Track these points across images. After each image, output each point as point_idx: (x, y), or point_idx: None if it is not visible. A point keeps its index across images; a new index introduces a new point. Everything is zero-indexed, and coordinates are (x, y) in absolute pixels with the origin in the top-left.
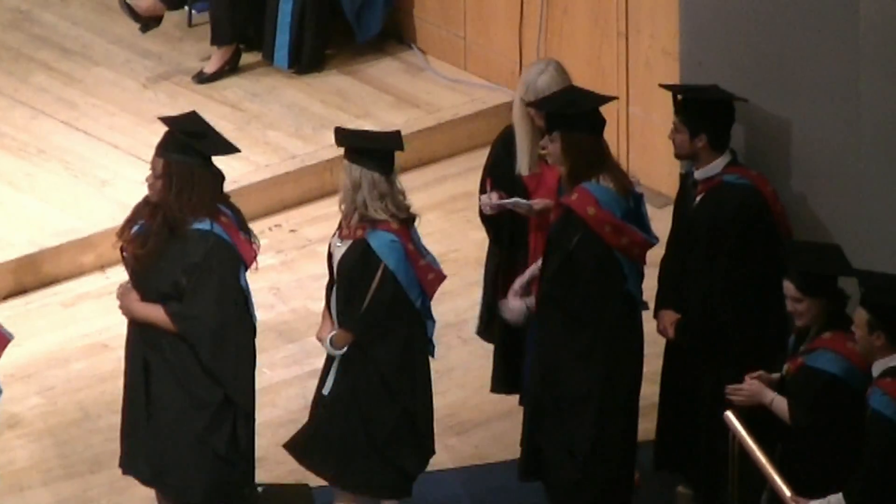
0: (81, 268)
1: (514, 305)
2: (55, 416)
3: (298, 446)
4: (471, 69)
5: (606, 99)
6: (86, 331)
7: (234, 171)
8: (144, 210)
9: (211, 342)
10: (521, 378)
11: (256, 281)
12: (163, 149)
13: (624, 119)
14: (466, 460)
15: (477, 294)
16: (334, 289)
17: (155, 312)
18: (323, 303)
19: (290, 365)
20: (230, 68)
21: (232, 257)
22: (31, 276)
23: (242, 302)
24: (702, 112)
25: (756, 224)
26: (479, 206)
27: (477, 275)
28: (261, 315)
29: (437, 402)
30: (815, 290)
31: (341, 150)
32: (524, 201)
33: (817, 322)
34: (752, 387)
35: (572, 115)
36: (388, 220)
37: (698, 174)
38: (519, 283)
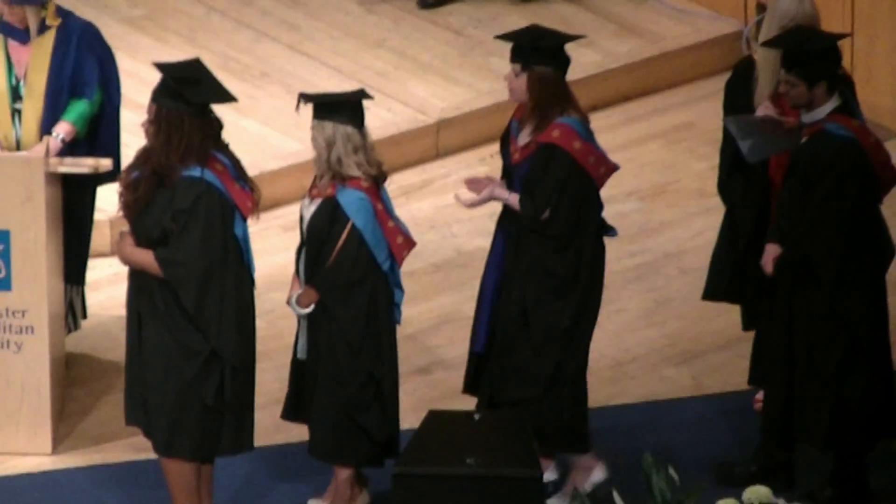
0: (302, 191)
1: None
2: (274, 339)
3: (287, 412)
4: None
5: (573, 37)
6: None
7: (457, 98)
8: (142, 156)
9: (194, 289)
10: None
11: (480, 209)
12: (155, 94)
13: (848, 50)
14: (684, 391)
15: (697, 224)
16: (303, 250)
17: (146, 257)
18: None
19: None
20: None
21: (222, 205)
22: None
23: (235, 251)
24: (816, 61)
25: (851, 176)
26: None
27: (697, 206)
28: (479, 242)
29: (655, 333)
30: None
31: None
32: (774, 116)
33: None
34: None
35: (540, 48)
36: (360, 178)
37: (805, 118)
38: None
